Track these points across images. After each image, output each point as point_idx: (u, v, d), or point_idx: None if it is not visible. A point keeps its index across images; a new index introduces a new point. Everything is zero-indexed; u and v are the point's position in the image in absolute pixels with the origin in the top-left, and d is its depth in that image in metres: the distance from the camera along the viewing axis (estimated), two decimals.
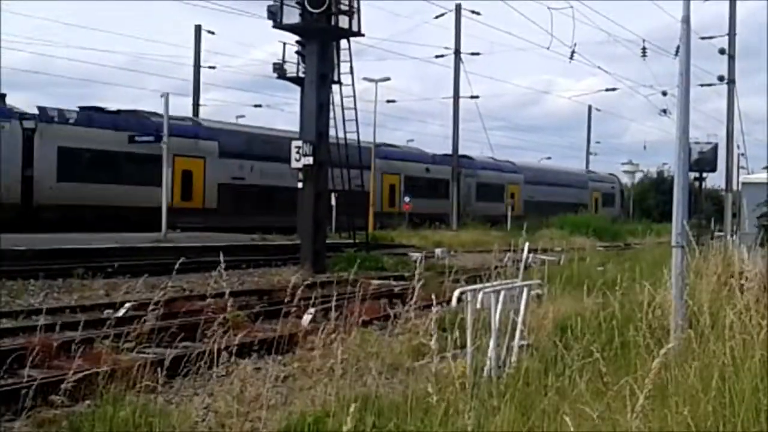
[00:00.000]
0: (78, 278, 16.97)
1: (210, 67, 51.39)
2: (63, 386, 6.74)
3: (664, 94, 38.92)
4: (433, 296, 8.07)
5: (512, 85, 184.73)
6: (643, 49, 37.65)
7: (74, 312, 13.17)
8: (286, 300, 10.44)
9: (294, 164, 23.86)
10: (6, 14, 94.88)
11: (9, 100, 32.46)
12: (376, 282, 19.49)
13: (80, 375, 7.64)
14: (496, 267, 11.66)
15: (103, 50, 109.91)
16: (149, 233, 27.72)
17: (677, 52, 8.94)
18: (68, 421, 6.70)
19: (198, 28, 49.79)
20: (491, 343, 7.32)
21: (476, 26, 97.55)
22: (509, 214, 51.63)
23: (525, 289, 8.35)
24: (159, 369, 8.13)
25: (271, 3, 23.90)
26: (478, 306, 7.40)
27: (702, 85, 36.83)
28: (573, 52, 34.84)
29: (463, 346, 7.49)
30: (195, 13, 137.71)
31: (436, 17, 48.83)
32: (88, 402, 7.06)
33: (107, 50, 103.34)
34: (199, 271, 20.69)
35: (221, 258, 8.87)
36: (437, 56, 50.27)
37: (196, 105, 49.82)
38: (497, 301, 7.58)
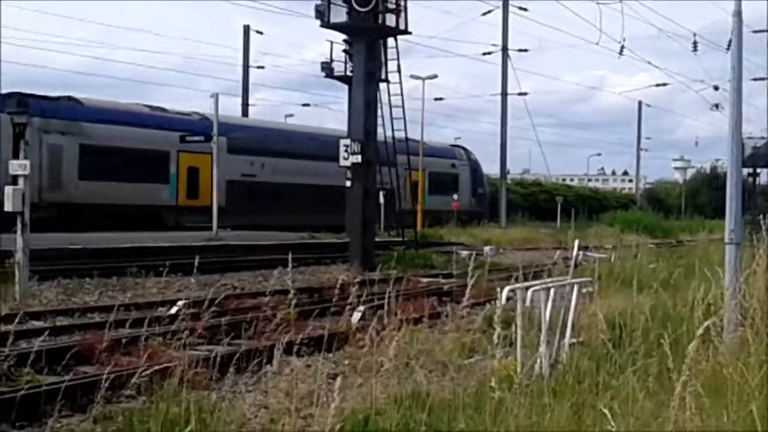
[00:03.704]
0: (132, 276, 17.24)
1: (259, 67, 51.88)
2: (134, 380, 6.84)
3: (716, 88, 38.43)
4: (483, 294, 8.05)
5: (562, 81, 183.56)
6: (694, 43, 37.19)
7: (128, 310, 13.37)
8: (336, 298, 10.53)
9: (342, 162, 23.94)
10: (64, 19, 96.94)
11: None
12: (425, 280, 19.51)
13: (134, 372, 7.79)
14: (546, 264, 11.61)
15: (157, 52, 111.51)
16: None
17: (729, 46, 8.82)
18: (124, 418, 6.81)
19: (246, 29, 50.21)
20: (542, 341, 7.29)
21: (524, 23, 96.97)
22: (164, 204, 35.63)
23: (575, 287, 8.30)
24: (212, 366, 8.25)
25: (319, 2, 23.99)
26: (528, 304, 7.38)
27: (755, 80, 36.25)
28: (622, 47, 34.56)
29: (513, 344, 7.47)
30: (245, 14, 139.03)
31: (484, 14, 48.81)
32: (143, 398, 7.16)
33: (161, 52, 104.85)
34: (250, 269, 20.96)
35: (264, 257, 8.82)
36: (485, 53, 50.18)
37: (245, 105, 50.26)
38: (547, 299, 7.55)
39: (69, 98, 31.90)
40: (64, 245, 20.16)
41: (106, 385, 6.57)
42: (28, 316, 12.39)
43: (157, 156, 33.16)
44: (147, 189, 32.42)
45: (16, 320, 11.19)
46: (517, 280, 9.88)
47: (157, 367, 7.00)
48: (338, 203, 38.75)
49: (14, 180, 14.41)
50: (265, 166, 37.56)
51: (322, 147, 39.30)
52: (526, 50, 51.82)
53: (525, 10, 48.14)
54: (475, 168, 52.19)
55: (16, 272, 14.11)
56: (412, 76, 42.21)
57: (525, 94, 51.09)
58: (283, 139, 39.44)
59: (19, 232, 14.22)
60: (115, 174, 31.14)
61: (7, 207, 14.12)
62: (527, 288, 7.48)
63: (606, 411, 4.27)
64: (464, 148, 53.11)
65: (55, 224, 23.91)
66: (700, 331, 4.77)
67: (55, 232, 21.12)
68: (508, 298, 7.50)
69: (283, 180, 37.46)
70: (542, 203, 68.07)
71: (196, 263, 11.46)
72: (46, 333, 10.62)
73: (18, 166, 14.22)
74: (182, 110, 36.77)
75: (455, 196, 48.33)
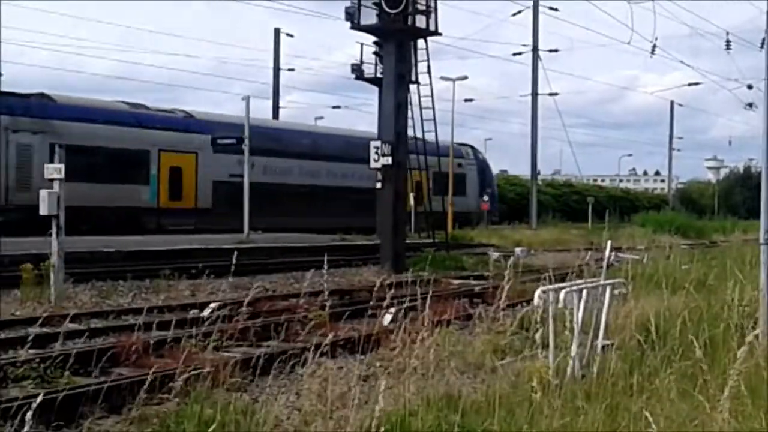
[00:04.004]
0: (165, 279, 17.36)
1: (289, 70, 52.05)
2: (171, 383, 6.90)
3: (750, 87, 37.99)
4: (515, 296, 8.03)
5: (593, 81, 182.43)
6: (727, 42, 36.79)
7: (162, 312, 13.49)
8: (367, 300, 10.56)
9: (372, 164, 23.98)
10: (93, 23, 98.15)
11: None
12: (456, 281, 19.48)
13: (168, 374, 7.86)
14: (577, 266, 11.55)
15: (188, 56, 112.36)
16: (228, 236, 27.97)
17: (763, 44, 8.73)
18: (159, 419, 6.87)
19: (277, 32, 50.43)
20: (574, 343, 7.25)
21: (555, 23, 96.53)
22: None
23: (608, 288, 8.25)
24: (245, 368, 8.31)
25: (349, 5, 24.05)
26: (560, 305, 7.35)
27: None
28: (654, 47, 34.24)
29: (546, 346, 7.44)
30: (276, 17, 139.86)
31: (514, 14, 48.68)
32: (176, 400, 7.22)
33: (192, 56, 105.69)
34: (281, 271, 21.04)
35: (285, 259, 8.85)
36: (515, 54, 50.02)
37: (276, 108, 50.44)
38: (579, 300, 7.51)
39: (41, 95, 30.46)
40: (97, 248, 20.38)
41: (146, 387, 6.63)
42: (62, 318, 12.52)
43: (136, 155, 31.23)
44: (125, 190, 30.68)
45: (50, 322, 11.35)
46: (548, 281, 9.85)
47: (191, 370, 7.05)
48: (333, 204, 37.13)
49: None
50: (256, 166, 34.74)
51: (317, 145, 38.59)
52: (556, 50, 51.64)
53: (555, 10, 47.99)
54: (483, 168, 49.88)
55: (51, 275, 14.27)
56: (443, 78, 42.20)
57: (556, 94, 50.90)
58: (275, 137, 37.20)
59: (54, 235, 14.39)
60: (89, 175, 28.79)
61: (42, 211, 14.29)
62: (559, 289, 7.45)
63: (646, 414, 4.23)
64: (472, 147, 50.77)
65: (24, 228, 21.73)
66: (750, 338, 4.72)
67: (24, 237, 19.62)
68: (541, 299, 7.47)
69: (275, 180, 35.52)
70: (573, 204, 67.70)
71: (233, 263, 11.50)
72: (85, 335, 10.73)
73: (53, 170, 14.39)
74: (165, 108, 35.05)
75: (485, 197, 47.95)
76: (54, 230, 14.37)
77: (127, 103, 33.31)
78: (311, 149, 38.61)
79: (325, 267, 11.06)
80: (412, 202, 31.80)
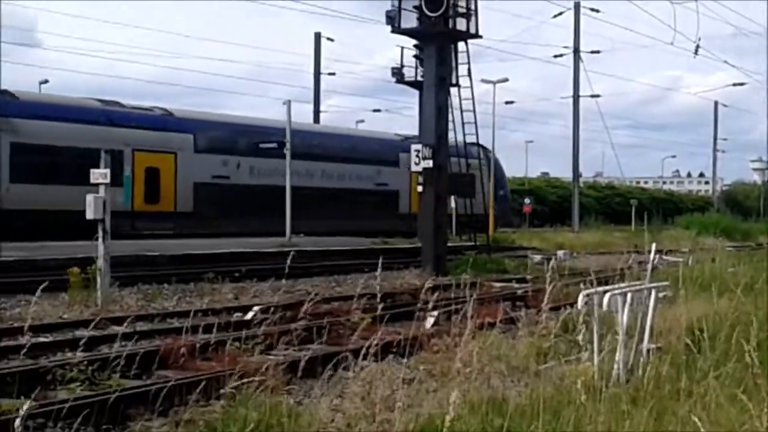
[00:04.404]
0: (208, 282, 17.53)
1: (330, 74, 52.29)
2: (220, 386, 6.97)
3: None
4: (557, 299, 7.99)
5: (635, 82, 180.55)
6: None
7: (206, 315, 13.61)
8: (410, 303, 10.58)
9: (414, 168, 24.00)
10: (136, 30, 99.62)
11: None
12: (497, 285, 19.41)
13: (214, 376, 7.94)
14: (621, 269, 11.46)
15: (228, 60, 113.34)
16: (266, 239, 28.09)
17: None
18: (204, 422, 6.93)
19: (317, 36, 50.65)
20: (619, 346, 7.20)
21: (596, 24, 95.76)
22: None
23: (653, 291, 8.18)
24: (289, 371, 8.36)
25: (390, 8, 24.10)
26: (605, 308, 7.29)
27: None
28: (697, 47, 33.96)
29: (590, 349, 7.40)
30: (317, 21, 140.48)
31: (555, 16, 48.46)
32: (222, 402, 7.29)
33: (232, 60, 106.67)
34: (323, 274, 21.15)
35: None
36: (556, 56, 49.79)
37: (316, 112, 50.66)
38: (624, 304, 7.46)
39: (2, 92, 28.61)
40: (142, 252, 20.65)
41: (193, 389, 6.69)
42: (109, 321, 12.70)
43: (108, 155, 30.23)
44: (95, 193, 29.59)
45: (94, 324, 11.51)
46: (592, 284, 9.78)
47: (237, 373, 7.12)
48: (326, 206, 34.79)
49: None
50: (242, 167, 33.66)
51: (309, 145, 36.09)
52: (598, 52, 51.31)
53: (597, 11, 47.67)
54: (494, 169, 46.26)
55: (98, 279, 14.48)
56: (483, 80, 42.11)
57: (597, 96, 50.60)
58: (262, 136, 34.88)
59: (100, 239, 14.60)
60: (54, 176, 27.44)
61: (89, 215, 14.50)
62: (604, 292, 7.39)
63: (694, 418, 4.19)
64: (482, 146, 48.99)
65: None
66: None
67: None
68: (584, 302, 7.43)
69: (263, 182, 33.48)
70: (616, 206, 67.21)
71: (287, 264, 11.64)
72: (134, 338, 10.85)
73: (99, 175, 14.60)
74: (141, 105, 33.16)
75: (527, 200, 47.51)
76: (100, 234, 14.59)
77: (100, 101, 31.71)
78: (320, 150, 36.76)
79: (379, 269, 11.09)
80: (453, 204, 31.71)
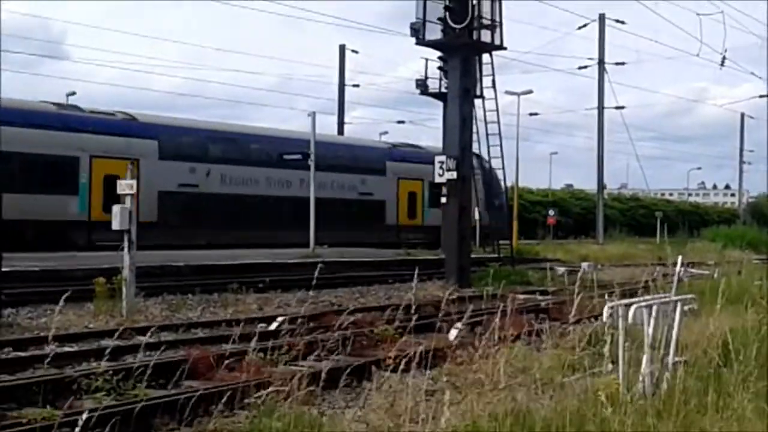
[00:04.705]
0: (232, 293, 17.60)
1: (354, 86, 52.47)
2: (246, 397, 6.98)
3: None
4: (582, 311, 7.94)
5: (661, 94, 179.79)
6: None
7: (230, 325, 13.66)
8: (433, 315, 10.57)
9: (437, 179, 23.99)
10: (160, 41, 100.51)
11: None
12: (521, 296, 19.33)
13: (237, 386, 7.96)
14: (646, 281, 11.39)
15: (254, 72, 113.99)
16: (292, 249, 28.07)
17: None
18: None
19: (342, 48, 50.86)
20: (644, 360, 7.15)
21: (621, 36, 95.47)
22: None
23: (678, 304, 8.12)
24: (312, 382, 8.36)
25: (414, 20, 24.16)
26: (630, 321, 7.25)
27: None
28: (724, 58, 33.82)
29: (615, 362, 7.35)
30: (341, 33, 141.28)
31: (579, 28, 48.20)
32: (246, 413, 7.31)
33: (257, 72, 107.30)
34: (346, 285, 21.17)
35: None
36: (580, 67, 49.64)
37: (341, 123, 50.84)
38: (649, 316, 7.41)
39: None
40: (167, 262, 20.77)
41: (218, 399, 6.71)
42: (134, 331, 12.78)
43: (62, 162, 27.61)
44: (48, 202, 27.00)
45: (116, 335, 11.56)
46: (617, 296, 9.73)
47: (261, 383, 7.13)
48: (301, 216, 30.48)
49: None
50: (212, 175, 31.82)
51: (283, 152, 33.91)
52: (623, 63, 51.12)
53: (622, 22, 47.56)
54: (488, 178, 43.46)
55: (123, 289, 14.58)
56: (508, 92, 42.10)
57: (622, 107, 50.38)
58: (235, 142, 33.60)
59: (125, 250, 14.71)
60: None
61: (114, 225, 14.62)
62: (629, 305, 7.35)
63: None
64: (477, 155, 46.44)
65: None
66: None
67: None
68: (609, 315, 7.39)
69: (236, 191, 32.05)
70: (641, 218, 66.81)
71: (314, 276, 11.63)
72: (159, 348, 10.89)
73: (125, 186, 14.71)
74: (103, 110, 31.18)
75: (551, 212, 47.03)
76: (126, 245, 14.69)
77: (55, 104, 30.09)
78: (261, 153, 34.33)
79: (415, 280, 11.05)
80: (477, 216, 31.64)
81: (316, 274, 11.94)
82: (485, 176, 41.77)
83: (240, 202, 31.74)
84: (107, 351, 9.33)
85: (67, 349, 11.37)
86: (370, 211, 36.83)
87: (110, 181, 25.86)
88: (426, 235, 37.29)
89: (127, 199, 14.72)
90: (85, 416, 5.60)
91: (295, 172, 33.14)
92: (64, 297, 9.92)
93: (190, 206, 30.33)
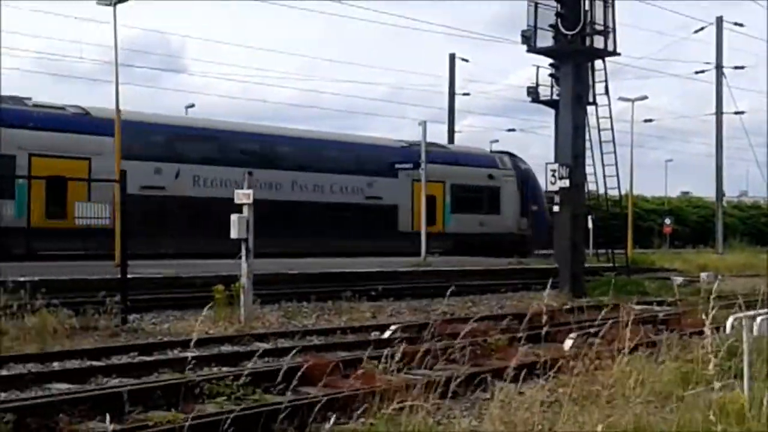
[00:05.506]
0: (346, 301, 17.82)
1: (464, 94, 52.56)
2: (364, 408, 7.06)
3: None
4: (703, 322, 7.74)
5: None
6: None
7: (344, 333, 13.85)
8: (546, 324, 10.46)
9: (549, 187, 23.76)
10: (275, 54, 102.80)
11: None
12: (637, 307, 18.91)
13: (355, 394, 8.07)
14: None
15: (366, 83, 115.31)
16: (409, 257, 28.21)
17: None
18: None
19: (452, 57, 50.95)
20: None
21: (739, 39, 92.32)
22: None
23: None
24: (426, 390, 8.40)
25: (525, 28, 24.02)
26: (755, 333, 7.04)
27: None
28: None
29: (740, 376, 7.13)
30: (451, 43, 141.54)
31: (696, 32, 46.93)
32: (362, 420, 7.40)
33: (369, 83, 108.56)
34: (458, 294, 21.14)
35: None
36: (697, 72, 48.34)
37: (451, 132, 50.89)
38: None
39: None
40: (282, 270, 21.22)
41: (334, 406, 6.80)
42: (252, 337, 13.10)
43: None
44: None
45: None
46: (740, 308, 9.44)
47: (375, 391, 7.21)
48: (300, 223, 29.16)
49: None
50: (182, 175, 28.67)
51: (268, 150, 31.75)
52: (742, 67, 49.40)
53: (740, 25, 46.13)
54: (524, 180, 39.94)
55: (241, 296, 14.95)
56: (621, 98, 41.26)
57: (742, 113, 48.79)
58: (207, 139, 30.28)
59: (243, 258, 15.08)
60: None
61: (233, 234, 15.01)
62: (754, 316, 7.14)
63: None
64: (510, 155, 41.56)
65: None
66: None
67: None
68: (733, 326, 7.19)
69: (209, 194, 28.18)
70: (762, 227, 64.49)
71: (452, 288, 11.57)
72: (276, 354, 11.15)
73: (243, 196, 15.10)
74: (50, 103, 27.89)
75: (667, 220, 45.87)
76: (243, 253, 15.06)
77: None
78: (239, 152, 30.95)
79: (547, 289, 10.92)
80: (590, 224, 31.14)
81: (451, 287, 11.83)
82: (520, 178, 39.80)
83: (214, 206, 25.88)
84: (227, 357, 9.58)
85: (188, 354, 11.72)
86: (379, 217, 33.62)
87: (54, 184, 24.77)
88: (447, 243, 34.41)
89: (245, 209, 15.09)
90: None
91: (287, 173, 30.78)
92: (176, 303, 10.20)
93: (154, 211, 26.84)
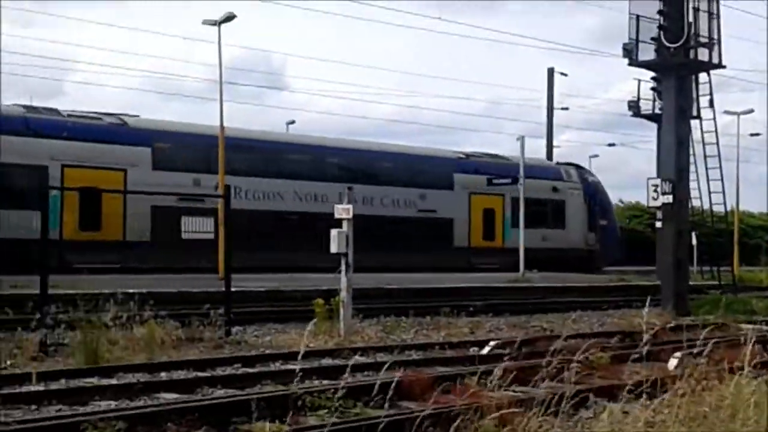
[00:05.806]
0: (444, 316, 17.83)
1: (563, 109, 51.91)
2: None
3: None
4: None
5: None
6: None
7: (443, 348, 13.86)
8: (649, 343, 10.26)
9: (652, 203, 23.30)
10: (375, 70, 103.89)
11: None
12: (745, 326, 18.37)
13: (455, 409, 8.06)
14: None
15: (464, 98, 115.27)
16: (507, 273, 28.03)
17: None
18: None
19: (551, 71, 50.50)
20: None
21: None
22: None
23: None
24: (522, 406, 8.34)
25: (626, 41, 23.68)
26: None
27: None
28: None
29: None
30: (550, 57, 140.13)
31: None
32: None
33: (468, 98, 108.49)
34: (558, 311, 20.92)
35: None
36: None
37: (549, 146, 50.36)
38: None
39: None
40: (381, 285, 21.37)
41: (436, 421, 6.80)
42: (351, 351, 13.22)
43: (25, 172, 23.57)
44: (9, 218, 23.45)
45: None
46: None
47: (478, 407, 7.20)
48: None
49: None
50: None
51: (314, 162, 30.88)
52: None
53: None
54: (592, 193, 38.52)
55: (341, 310, 15.11)
56: (726, 112, 40.18)
57: None
58: (245, 149, 29.11)
59: (343, 272, 15.25)
60: None
61: (333, 249, 15.20)
62: None
63: None
64: (577, 166, 40.53)
65: None
66: None
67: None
68: None
69: (249, 206, 27.15)
70: None
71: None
72: (376, 369, 11.21)
73: (342, 210, 15.28)
74: (85, 112, 27.61)
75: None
76: (343, 267, 15.23)
77: (25, 107, 26.51)
78: (282, 163, 30.47)
79: (646, 307, 10.63)
80: (695, 241, 30.33)
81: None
82: (587, 191, 38.39)
83: (261, 219, 27.32)
84: (328, 369, 9.68)
85: (295, 366, 11.90)
86: (433, 232, 32.42)
87: (89, 195, 24.16)
88: (507, 259, 32.46)
89: (344, 223, 15.26)
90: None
91: (333, 185, 27.81)
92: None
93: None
